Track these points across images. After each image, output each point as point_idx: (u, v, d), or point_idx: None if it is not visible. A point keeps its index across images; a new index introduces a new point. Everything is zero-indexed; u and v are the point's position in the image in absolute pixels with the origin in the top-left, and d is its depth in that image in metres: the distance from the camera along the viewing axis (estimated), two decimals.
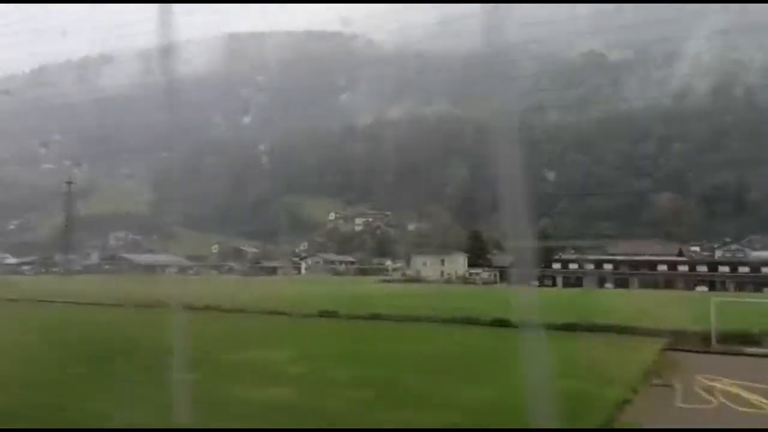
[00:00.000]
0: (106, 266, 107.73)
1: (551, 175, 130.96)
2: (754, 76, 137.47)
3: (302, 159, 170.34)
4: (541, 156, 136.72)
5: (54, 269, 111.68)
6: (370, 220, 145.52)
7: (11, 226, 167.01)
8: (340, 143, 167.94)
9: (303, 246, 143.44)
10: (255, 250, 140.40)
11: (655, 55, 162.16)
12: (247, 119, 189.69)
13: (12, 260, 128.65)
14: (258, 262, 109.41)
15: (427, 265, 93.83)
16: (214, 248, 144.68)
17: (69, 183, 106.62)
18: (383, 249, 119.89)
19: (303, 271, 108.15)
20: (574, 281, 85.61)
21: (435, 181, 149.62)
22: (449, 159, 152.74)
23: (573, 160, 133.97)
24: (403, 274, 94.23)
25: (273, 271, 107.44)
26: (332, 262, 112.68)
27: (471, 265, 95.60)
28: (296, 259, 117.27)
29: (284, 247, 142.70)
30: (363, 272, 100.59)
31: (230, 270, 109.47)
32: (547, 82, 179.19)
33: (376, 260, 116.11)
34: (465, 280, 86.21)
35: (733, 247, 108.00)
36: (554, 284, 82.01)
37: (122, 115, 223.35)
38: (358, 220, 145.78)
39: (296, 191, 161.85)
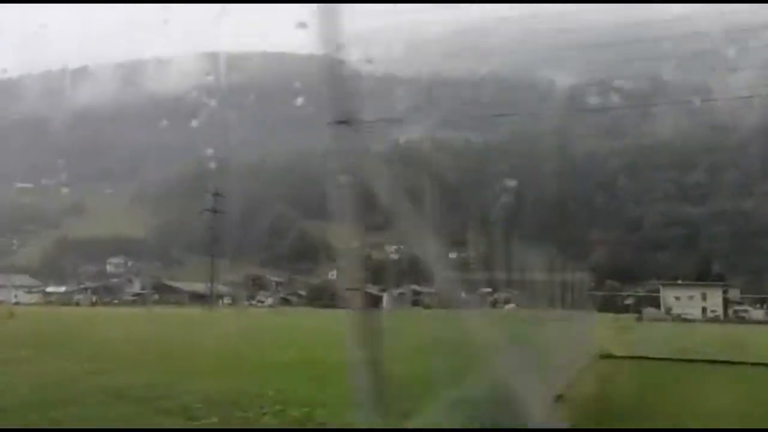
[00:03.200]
0: (155, 296, 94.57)
1: (600, 203, 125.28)
2: None
3: (315, 181, 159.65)
4: (588, 182, 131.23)
5: (108, 299, 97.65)
6: (403, 247, 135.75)
7: None
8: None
9: (332, 275, 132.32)
10: (279, 279, 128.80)
11: (680, 85, 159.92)
12: (249, 138, 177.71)
13: (55, 288, 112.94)
14: (327, 292, 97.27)
15: (681, 300, 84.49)
16: (231, 277, 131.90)
17: (215, 194, 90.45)
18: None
19: (385, 304, 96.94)
20: None
21: (470, 206, 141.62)
22: (483, 183, 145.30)
23: (623, 187, 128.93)
24: (668, 312, 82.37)
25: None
26: (419, 294, 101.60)
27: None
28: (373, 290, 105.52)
29: (311, 275, 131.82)
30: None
31: (286, 302, 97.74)
32: (566, 108, 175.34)
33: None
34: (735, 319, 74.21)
35: None
36: None
37: (100, 131, 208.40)
38: (390, 248, 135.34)
39: (313, 216, 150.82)
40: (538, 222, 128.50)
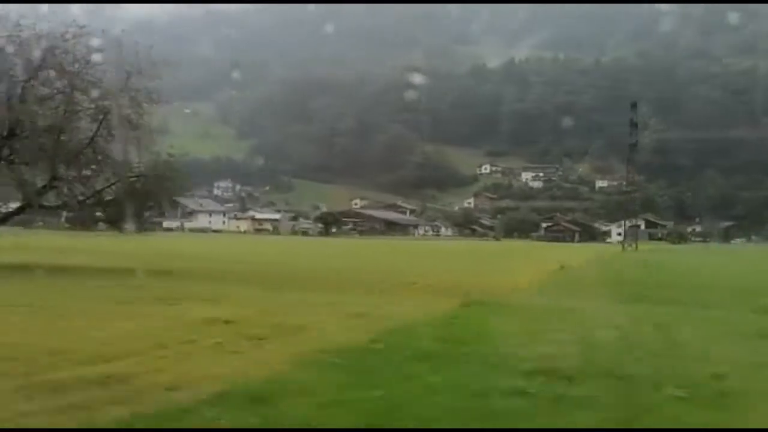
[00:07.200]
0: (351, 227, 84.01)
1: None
2: None
3: (428, 103, 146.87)
4: (750, 103, 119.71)
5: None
6: (541, 174, 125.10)
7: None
8: (474, 86, 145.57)
9: (469, 202, 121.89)
10: (412, 207, 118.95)
11: None
12: (347, 56, 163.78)
13: (266, 215, 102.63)
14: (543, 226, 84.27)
15: None
16: (355, 203, 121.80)
17: (634, 105, 71.96)
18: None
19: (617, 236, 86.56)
20: None
21: (606, 130, 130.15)
22: (618, 105, 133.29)
23: None
24: None
25: (571, 236, 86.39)
26: (655, 225, 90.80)
27: None
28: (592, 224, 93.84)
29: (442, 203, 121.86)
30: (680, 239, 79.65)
31: (478, 234, 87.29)
32: (695, 29, 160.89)
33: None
34: None
35: None
36: None
37: (168, 47, 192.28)
38: (527, 174, 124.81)
39: (430, 139, 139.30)
40: (694, 149, 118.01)
